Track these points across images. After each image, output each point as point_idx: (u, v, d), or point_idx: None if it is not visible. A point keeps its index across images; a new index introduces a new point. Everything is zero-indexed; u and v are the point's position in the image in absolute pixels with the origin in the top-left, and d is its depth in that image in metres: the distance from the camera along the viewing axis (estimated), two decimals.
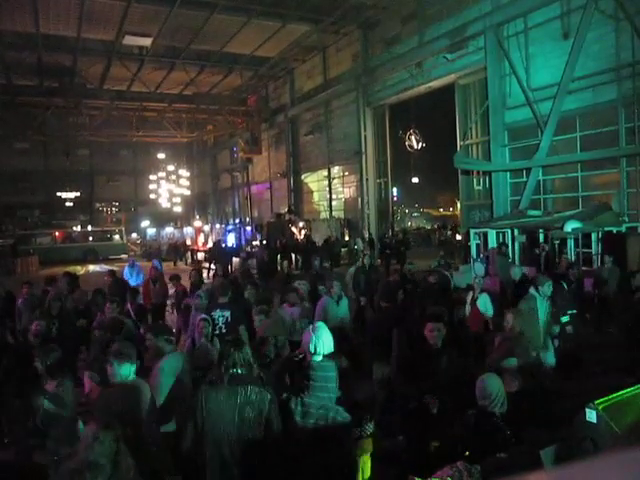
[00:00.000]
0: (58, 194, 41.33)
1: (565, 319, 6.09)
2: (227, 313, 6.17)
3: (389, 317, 5.98)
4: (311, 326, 3.16)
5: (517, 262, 12.27)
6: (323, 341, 3.06)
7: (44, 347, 4.41)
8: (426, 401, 3.92)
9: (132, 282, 10.62)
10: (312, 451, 3.02)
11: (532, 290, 6.08)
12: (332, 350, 3.08)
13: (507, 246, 12.53)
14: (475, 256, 13.93)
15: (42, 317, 5.99)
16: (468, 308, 7.05)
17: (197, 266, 17.34)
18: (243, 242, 27.42)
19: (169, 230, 35.30)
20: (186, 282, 10.33)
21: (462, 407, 3.62)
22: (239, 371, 3.25)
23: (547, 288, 5.99)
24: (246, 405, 3.20)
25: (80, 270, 25.38)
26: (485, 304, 7.07)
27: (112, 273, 10.68)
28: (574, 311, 6.33)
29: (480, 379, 3.54)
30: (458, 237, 25.22)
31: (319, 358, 3.04)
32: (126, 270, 11.60)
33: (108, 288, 9.93)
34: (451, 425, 3.67)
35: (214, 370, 3.64)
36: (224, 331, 6.06)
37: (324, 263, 16.66)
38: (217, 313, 6.19)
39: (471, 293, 7.38)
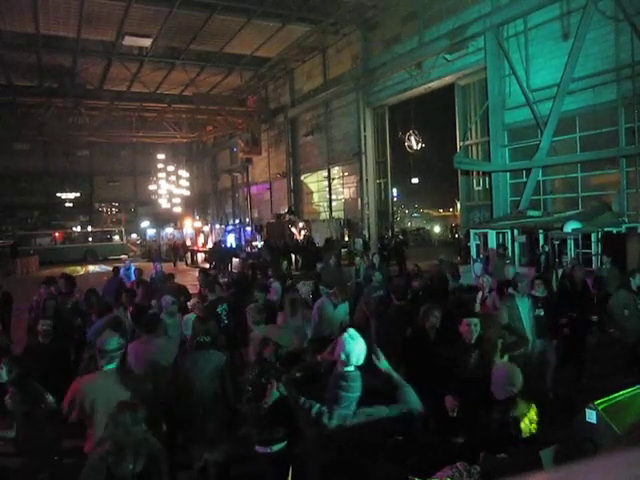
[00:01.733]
0: (58, 195, 41.35)
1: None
2: (224, 305, 6.80)
3: (403, 315, 6.03)
4: (345, 334, 2.96)
5: (517, 263, 12.28)
6: (357, 351, 2.90)
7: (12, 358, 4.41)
8: (447, 404, 3.92)
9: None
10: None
11: (511, 289, 6.22)
12: (359, 363, 2.92)
13: (506, 248, 12.51)
14: (475, 256, 13.93)
15: (37, 318, 6.02)
16: (478, 307, 7.06)
17: (202, 268, 17.29)
18: (243, 243, 27.41)
19: (169, 231, 35.31)
20: (184, 282, 10.33)
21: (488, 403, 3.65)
22: (204, 339, 4.48)
23: (524, 286, 6.11)
24: (206, 364, 4.38)
25: (80, 271, 25.40)
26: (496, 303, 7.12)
27: (115, 270, 10.85)
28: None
29: (502, 367, 3.55)
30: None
31: (351, 368, 2.90)
32: (122, 271, 11.59)
33: (106, 283, 9.97)
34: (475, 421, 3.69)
35: (189, 340, 5.05)
36: (227, 322, 6.68)
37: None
38: (220, 308, 6.82)
39: (480, 293, 7.35)
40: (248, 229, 29.69)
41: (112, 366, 3.92)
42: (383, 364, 3.00)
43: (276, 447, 3.80)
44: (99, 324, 6.15)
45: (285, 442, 3.81)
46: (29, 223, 38.93)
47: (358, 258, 12.22)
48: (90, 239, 32.89)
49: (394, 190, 26.31)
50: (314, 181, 28.46)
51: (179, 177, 38.61)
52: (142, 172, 44.01)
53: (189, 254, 29.06)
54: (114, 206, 46.06)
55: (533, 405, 3.42)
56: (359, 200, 23.69)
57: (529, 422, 3.35)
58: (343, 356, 2.88)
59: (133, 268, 11.58)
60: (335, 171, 26.26)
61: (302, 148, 28.79)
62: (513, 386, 3.37)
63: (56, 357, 5.37)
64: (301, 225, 25.21)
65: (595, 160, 14.01)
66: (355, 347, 2.89)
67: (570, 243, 11.64)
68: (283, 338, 4.17)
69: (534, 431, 3.38)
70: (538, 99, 14.85)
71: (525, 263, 12.43)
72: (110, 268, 12.28)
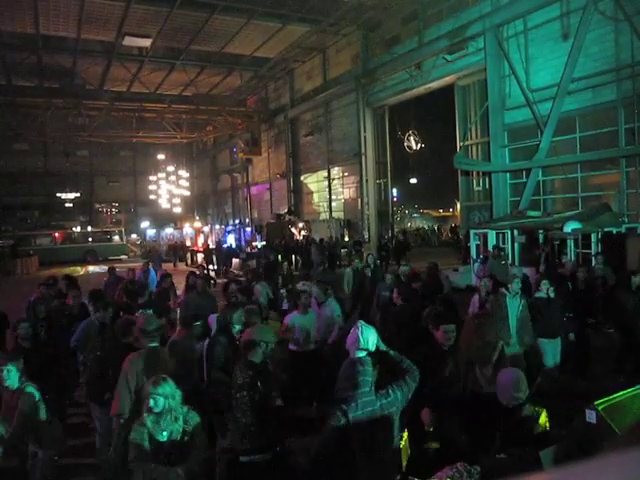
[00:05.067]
0: (58, 195, 41.31)
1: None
2: (149, 312, 6.49)
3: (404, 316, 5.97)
4: (358, 322, 3.23)
5: (516, 263, 12.27)
6: (369, 337, 3.12)
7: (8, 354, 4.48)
8: (422, 419, 3.89)
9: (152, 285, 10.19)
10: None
11: (502, 288, 6.21)
12: (373, 349, 3.15)
13: (502, 249, 12.47)
14: (475, 257, 13.93)
15: (28, 320, 5.97)
16: (471, 310, 7.00)
17: (191, 271, 17.13)
18: (243, 243, 27.41)
19: (169, 231, 35.31)
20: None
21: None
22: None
23: (516, 285, 6.10)
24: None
25: (80, 271, 25.39)
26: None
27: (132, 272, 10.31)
28: (570, 314, 6.42)
29: (507, 373, 3.53)
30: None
31: (364, 354, 3.08)
32: (138, 274, 11.11)
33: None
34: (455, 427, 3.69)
35: None
36: None
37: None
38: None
39: (477, 295, 7.28)
40: (248, 229, 29.70)
41: (154, 344, 4.32)
42: (380, 344, 3.20)
43: (259, 456, 3.76)
44: (79, 329, 6.10)
45: (270, 451, 3.78)
46: (29, 223, 38.86)
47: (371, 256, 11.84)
48: (90, 239, 32.85)
49: (394, 190, 26.33)
50: (314, 181, 28.47)
51: (179, 177, 38.63)
52: (142, 172, 44.03)
53: (189, 254, 29.03)
54: (114, 206, 46.06)
55: (544, 410, 3.41)
56: (359, 200, 23.70)
57: (543, 424, 3.36)
58: (362, 341, 3.08)
59: (154, 273, 10.96)
60: (335, 171, 26.27)
61: (302, 148, 28.80)
62: (519, 392, 3.35)
63: (42, 361, 5.28)
64: (301, 225, 25.23)
65: (595, 160, 14.02)
66: (368, 333, 3.12)
67: (570, 243, 11.64)
68: (267, 335, 4.08)
69: (547, 429, 3.38)
70: (538, 99, 14.85)
71: (525, 263, 12.43)
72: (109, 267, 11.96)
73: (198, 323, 5.40)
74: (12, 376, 4.15)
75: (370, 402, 2.93)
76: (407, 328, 5.70)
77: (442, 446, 3.75)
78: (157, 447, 3.28)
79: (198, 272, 9.98)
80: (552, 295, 6.42)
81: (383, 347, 3.19)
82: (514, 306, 6.09)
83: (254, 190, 34.89)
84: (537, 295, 6.52)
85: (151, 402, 3.30)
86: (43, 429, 4.28)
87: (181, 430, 3.33)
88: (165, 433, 3.29)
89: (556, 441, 3.16)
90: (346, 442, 2.91)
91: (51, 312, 6.89)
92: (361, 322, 3.23)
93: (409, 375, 3.12)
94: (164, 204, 38.63)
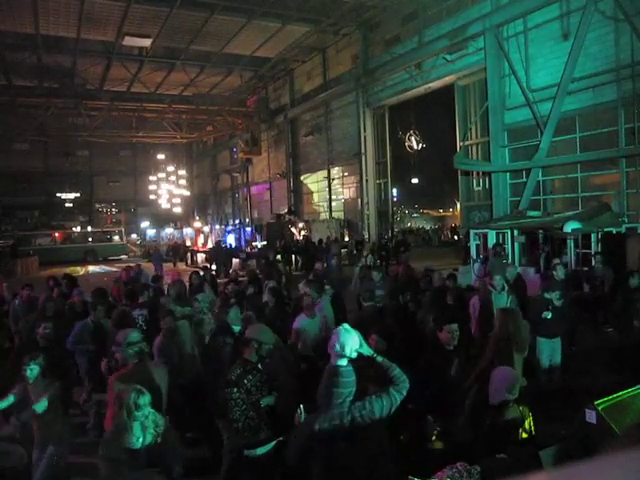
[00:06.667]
0: (58, 195, 41.32)
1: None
2: (144, 311, 6.47)
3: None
4: (340, 326, 2.99)
5: (517, 263, 12.27)
6: (351, 343, 2.88)
7: (30, 353, 4.50)
8: (426, 427, 3.87)
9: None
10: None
11: (488, 285, 6.24)
12: (353, 356, 2.91)
13: (504, 247, 12.47)
14: (475, 257, 13.92)
15: (38, 319, 5.98)
16: (472, 312, 7.00)
17: (194, 270, 17.19)
18: (243, 243, 27.40)
19: (169, 231, 35.32)
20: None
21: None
22: None
23: (499, 282, 6.09)
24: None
25: (80, 271, 25.39)
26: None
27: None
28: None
29: (502, 372, 3.52)
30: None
31: (344, 362, 2.88)
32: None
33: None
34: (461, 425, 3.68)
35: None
36: (144, 328, 6.22)
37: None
38: (136, 312, 6.42)
39: (476, 297, 7.27)
40: (248, 229, 29.69)
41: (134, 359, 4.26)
42: (364, 349, 2.97)
43: (261, 450, 3.79)
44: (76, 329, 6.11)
45: (271, 444, 3.81)
46: (29, 223, 38.84)
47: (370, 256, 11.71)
48: (90, 239, 32.86)
49: (394, 190, 26.30)
50: (314, 181, 28.47)
51: (179, 177, 38.64)
52: (142, 172, 44.03)
53: (189, 254, 29.03)
54: (114, 206, 46.05)
55: (530, 414, 3.41)
56: (359, 200, 23.69)
57: (528, 426, 3.35)
58: (338, 347, 2.87)
59: (149, 277, 10.94)
60: (335, 171, 26.26)
61: (302, 148, 28.79)
62: (510, 393, 3.35)
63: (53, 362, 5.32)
64: (301, 225, 25.22)
65: (595, 160, 14.01)
66: (349, 339, 2.89)
67: (570, 243, 11.64)
68: (262, 334, 4.09)
69: (531, 434, 3.37)
70: (538, 99, 14.85)
71: (525, 263, 12.43)
72: (110, 268, 12.14)
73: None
74: (35, 374, 4.31)
75: (339, 415, 2.78)
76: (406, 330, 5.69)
77: (446, 446, 3.74)
78: (135, 452, 3.25)
79: (202, 272, 10.10)
80: (557, 301, 6.35)
81: (367, 352, 2.96)
82: (501, 302, 6.08)
83: (254, 190, 34.89)
84: (546, 296, 6.44)
85: (136, 411, 3.29)
86: (55, 428, 4.35)
87: (154, 434, 3.32)
88: (140, 439, 3.28)
89: (539, 446, 3.16)
90: (311, 452, 2.83)
91: (58, 311, 6.93)
92: (342, 326, 3.00)
93: (395, 386, 2.92)
94: (164, 204, 38.62)
